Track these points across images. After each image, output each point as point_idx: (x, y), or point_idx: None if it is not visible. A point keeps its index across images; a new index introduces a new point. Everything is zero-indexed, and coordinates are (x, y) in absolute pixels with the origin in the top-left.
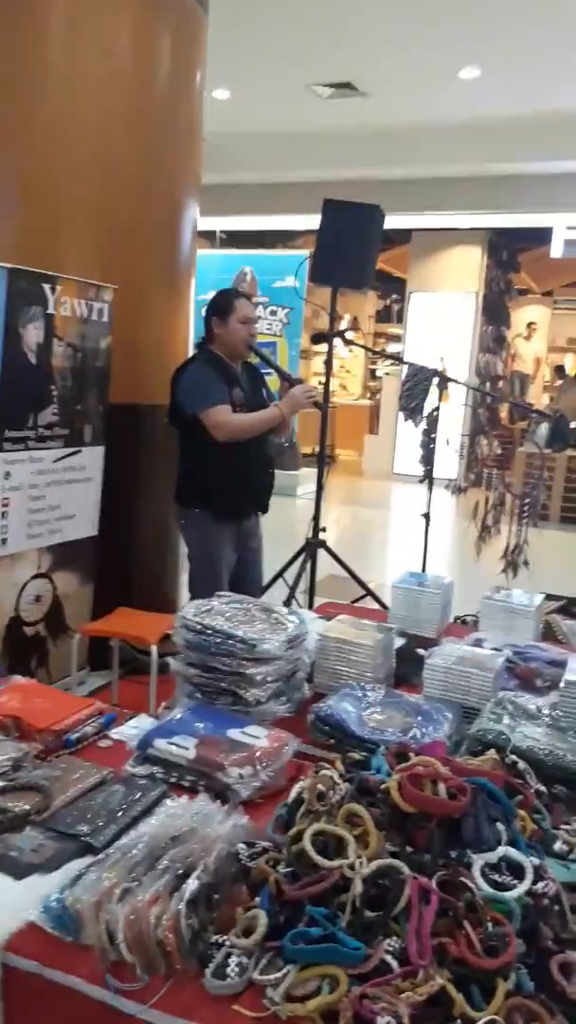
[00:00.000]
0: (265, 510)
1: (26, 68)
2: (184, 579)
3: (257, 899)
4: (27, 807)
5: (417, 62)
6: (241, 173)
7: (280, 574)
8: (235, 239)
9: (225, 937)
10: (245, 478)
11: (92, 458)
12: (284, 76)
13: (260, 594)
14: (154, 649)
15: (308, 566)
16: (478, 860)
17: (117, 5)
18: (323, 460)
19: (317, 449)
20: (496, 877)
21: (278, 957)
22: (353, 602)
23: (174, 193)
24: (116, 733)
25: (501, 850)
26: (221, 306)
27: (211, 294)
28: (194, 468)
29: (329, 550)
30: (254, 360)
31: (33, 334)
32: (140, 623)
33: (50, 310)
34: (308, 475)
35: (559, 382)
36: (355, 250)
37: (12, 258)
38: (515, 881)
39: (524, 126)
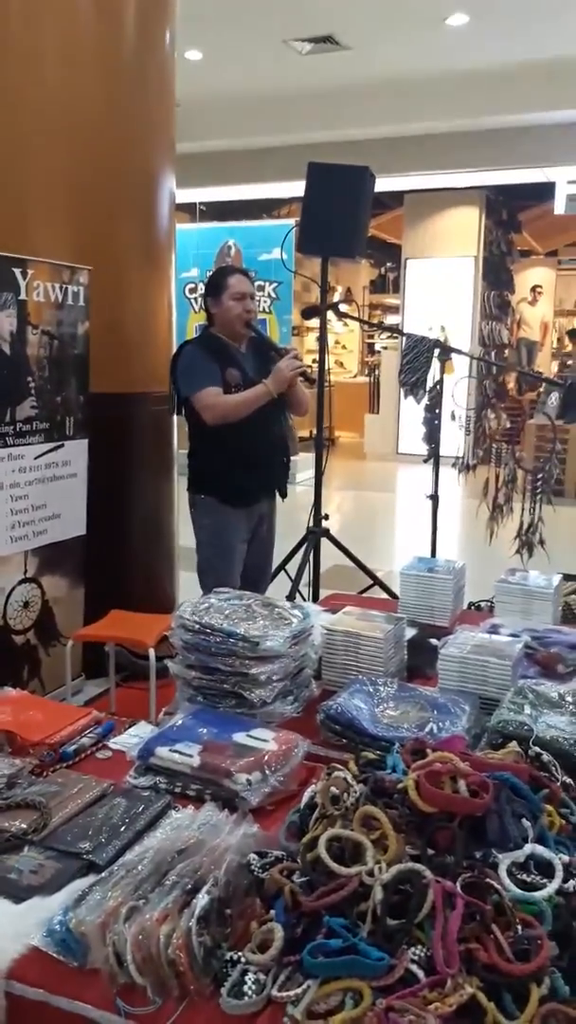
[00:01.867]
0: (283, 495)
1: None
2: (182, 576)
3: (272, 911)
4: (24, 826)
5: (401, 10)
6: (219, 140)
7: (282, 566)
8: (216, 211)
9: (240, 953)
10: (251, 460)
11: (76, 452)
12: (259, 32)
13: (266, 587)
14: (152, 652)
15: (311, 557)
16: (504, 860)
17: None
18: (321, 443)
19: (315, 431)
20: (524, 877)
21: (297, 972)
22: (361, 592)
23: (148, 164)
24: (115, 743)
25: (528, 848)
26: (214, 285)
27: (193, 271)
28: (199, 453)
29: (332, 539)
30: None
31: (5, 323)
32: (136, 625)
33: (22, 296)
34: (306, 460)
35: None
36: (344, 216)
37: None
38: (544, 880)
39: (519, 75)
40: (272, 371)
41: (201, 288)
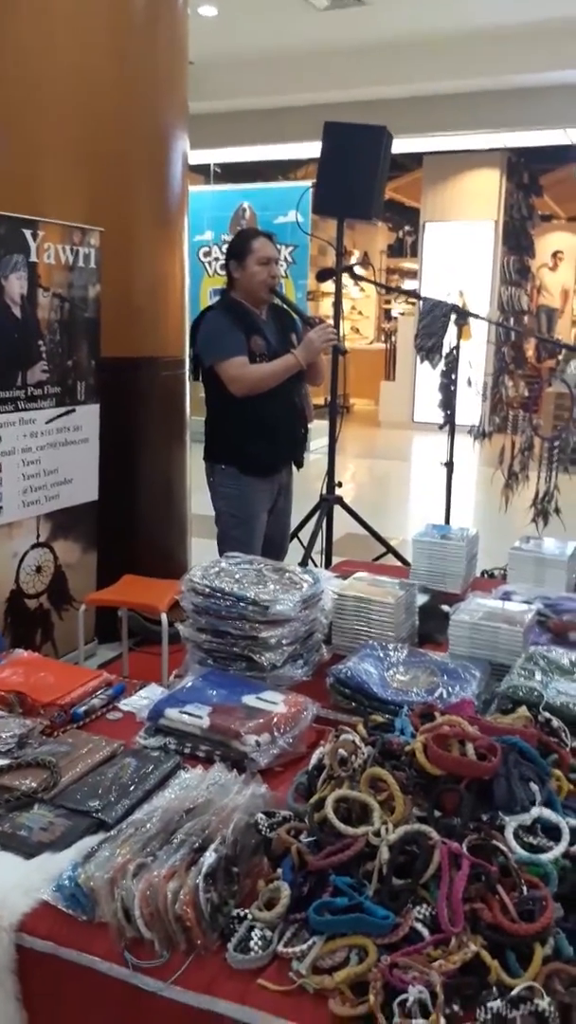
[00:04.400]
0: (299, 465)
1: None
2: (194, 543)
3: (279, 871)
4: (34, 784)
5: None
6: (234, 99)
7: (294, 534)
8: (231, 173)
9: (247, 910)
10: (273, 430)
11: (87, 417)
12: None
13: (284, 557)
14: (164, 617)
15: (324, 524)
16: (511, 822)
17: None
18: (336, 410)
19: (329, 399)
20: (531, 839)
21: (303, 929)
22: (374, 560)
23: (160, 123)
24: (126, 704)
25: (535, 811)
26: (237, 248)
27: (207, 235)
28: (219, 422)
29: (346, 506)
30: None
31: (16, 285)
32: (148, 590)
33: (32, 258)
34: (320, 427)
35: None
36: (361, 177)
37: None
38: (551, 843)
39: (542, 32)
40: (303, 342)
41: (215, 252)
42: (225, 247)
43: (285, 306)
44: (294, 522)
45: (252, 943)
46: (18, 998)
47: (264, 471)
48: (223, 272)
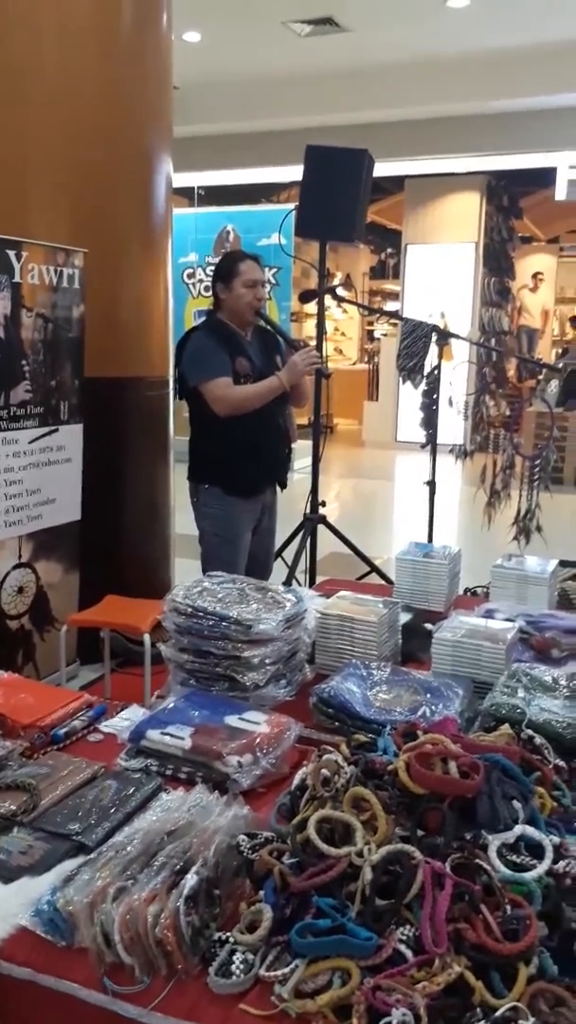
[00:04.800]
0: (283, 486)
1: None
2: (178, 563)
3: (261, 893)
4: (13, 807)
5: None
6: (218, 123)
7: (278, 553)
8: (215, 195)
9: (229, 934)
10: (257, 450)
11: (70, 437)
12: (258, 13)
13: (268, 577)
14: (147, 637)
15: (307, 543)
16: (494, 841)
17: None
18: (319, 429)
19: (312, 418)
20: (514, 858)
21: (286, 952)
22: (358, 579)
23: (145, 146)
24: (107, 726)
25: (518, 829)
26: (224, 270)
27: (192, 256)
28: (204, 442)
29: (329, 525)
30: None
31: None
32: (131, 611)
33: (16, 278)
34: (304, 447)
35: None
36: (342, 199)
37: None
38: (534, 861)
39: (521, 58)
40: (287, 364)
41: (200, 274)
42: (209, 269)
43: (270, 328)
44: (278, 542)
45: (234, 967)
46: None
47: (248, 491)
48: (208, 294)
